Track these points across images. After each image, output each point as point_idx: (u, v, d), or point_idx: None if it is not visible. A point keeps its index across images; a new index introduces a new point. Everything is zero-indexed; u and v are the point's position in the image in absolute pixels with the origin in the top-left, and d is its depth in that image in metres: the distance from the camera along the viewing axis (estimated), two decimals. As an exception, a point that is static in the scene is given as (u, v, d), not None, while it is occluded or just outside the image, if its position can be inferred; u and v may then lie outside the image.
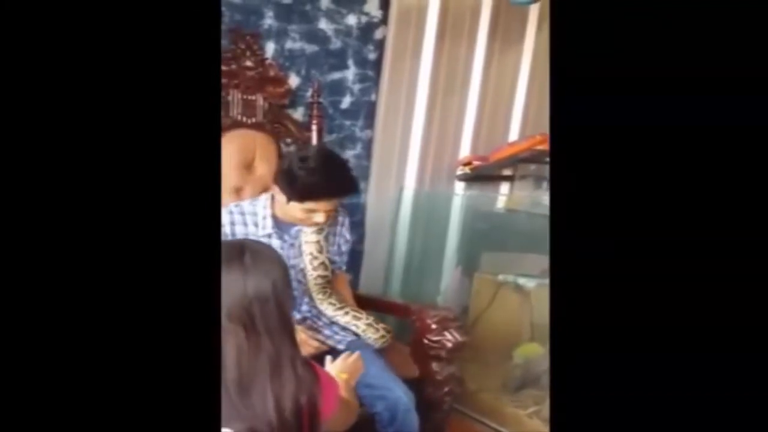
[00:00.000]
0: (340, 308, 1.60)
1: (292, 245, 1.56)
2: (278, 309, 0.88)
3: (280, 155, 1.77)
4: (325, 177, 1.44)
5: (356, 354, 1.20)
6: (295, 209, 1.46)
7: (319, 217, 1.48)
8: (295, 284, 1.53)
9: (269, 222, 1.53)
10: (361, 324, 1.60)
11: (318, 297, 1.60)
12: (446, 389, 1.66)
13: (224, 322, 0.84)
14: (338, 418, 0.96)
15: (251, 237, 1.49)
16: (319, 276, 1.58)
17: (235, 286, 0.85)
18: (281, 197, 1.47)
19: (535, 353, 2.14)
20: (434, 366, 1.65)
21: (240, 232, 1.52)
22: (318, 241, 1.57)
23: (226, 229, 1.51)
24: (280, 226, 1.54)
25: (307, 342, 1.47)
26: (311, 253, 1.57)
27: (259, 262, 0.88)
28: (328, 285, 1.61)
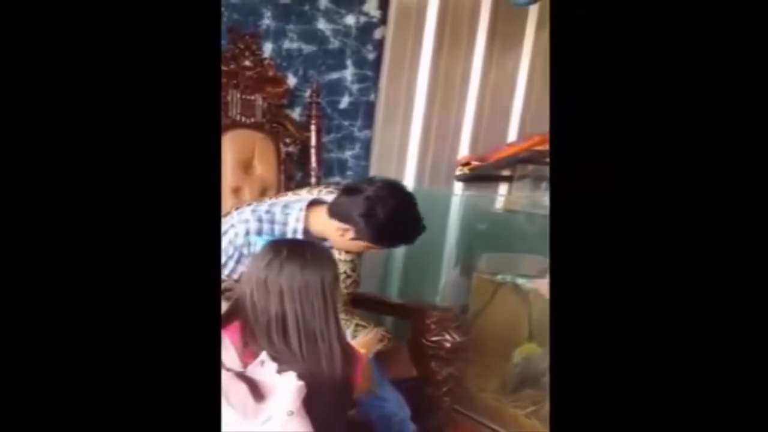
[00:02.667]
0: (353, 323, 1.57)
1: None
2: (327, 298, 1.07)
3: (343, 191, 1.52)
4: (403, 221, 1.36)
5: (374, 331, 1.32)
6: (356, 245, 1.40)
7: (373, 250, 1.45)
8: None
9: (300, 237, 1.41)
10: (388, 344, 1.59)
11: (342, 317, 1.59)
12: (445, 389, 1.66)
13: (285, 293, 1.04)
14: (360, 384, 1.17)
15: None
16: (348, 294, 1.56)
17: (294, 273, 1.05)
18: (345, 233, 1.37)
19: (534, 353, 2.14)
20: (433, 366, 1.64)
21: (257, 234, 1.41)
22: (353, 260, 1.53)
23: (239, 228, 1.39)
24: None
25: None
26: (345, 272, 1.52)
27: (317, 260, 1.08)
28: (351, 303, 1.59)
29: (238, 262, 1.40)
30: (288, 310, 1.04)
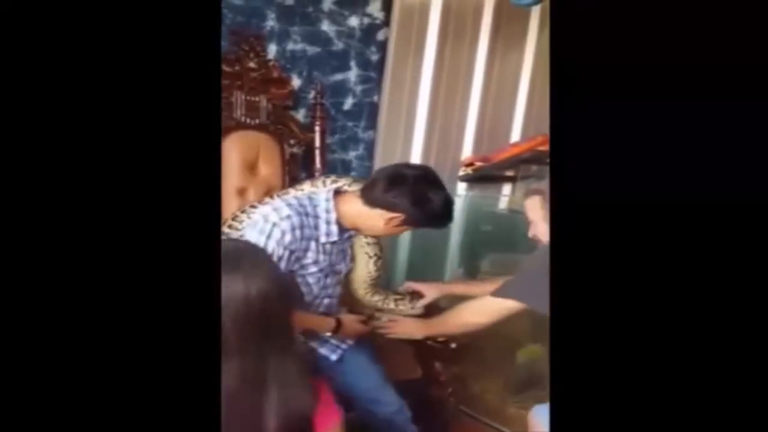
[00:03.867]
0: (391, 298, 1.64)
1: (341, 251, 1.49)
2: (279, 316, 0.83)
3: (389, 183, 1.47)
4: (447, 202, 1.42)
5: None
6: (392, 229, 1.41)
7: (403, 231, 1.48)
8: (333, 290, 1.50)
9: (334, 229, 1.40)
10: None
11: (368, 296, 1.61)
12: (450, 390, 1.66)
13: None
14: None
15: (317, 241, 1.39)
16: (380, 276, 1.59)
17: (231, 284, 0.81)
18: (391, 221, 1.37)
19: (538, 354, 2.14)
20: (438, 366, 1.65)
21: (307, 235, 1.37)
22: (378, 242, 1.56)
23: (284, 225, 1.33)
24: (342, 232, 1.43)
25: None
26: (376, 254, 1.56)
27: (258, 270, 0.84)
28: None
29: (294, 261, 1.37)
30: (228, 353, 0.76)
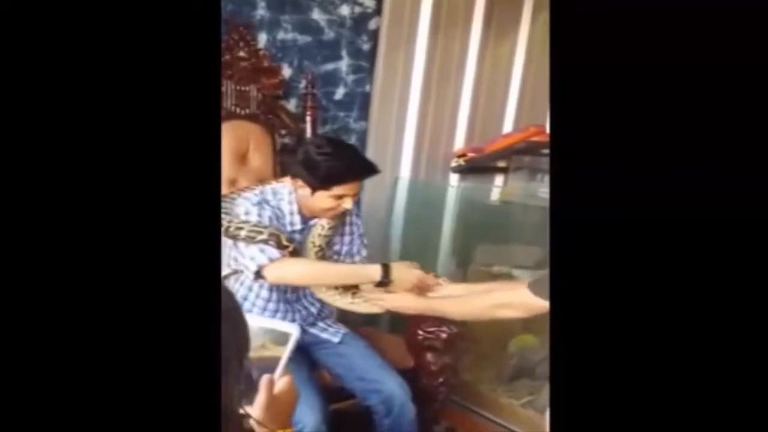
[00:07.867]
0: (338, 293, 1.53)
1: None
2: None
3: (279, 150, 1.69)
4: (345, 159, 1.43)
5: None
6: (323, 199, 1.42)
7: (348, 203, 1.44)
8: None
9: (297, 218, 1.47)
10: (349, 299, 1.52)
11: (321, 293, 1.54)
12: (441, 380, 1.67)
13: None
14: None
15: (281, 229, 1.44)
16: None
17: None
18: (305, 190, 1.42)
19: (530, 344, 2.15)
20: (429, 357, 1.65)
21: (275, 223, 1.44)
22: (329, 236, 1.53)
23: (252, 216, 1.41)
24: (306, 221, 1.49)
25: None
26: (320, 245, 1.51)
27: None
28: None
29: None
30: None
